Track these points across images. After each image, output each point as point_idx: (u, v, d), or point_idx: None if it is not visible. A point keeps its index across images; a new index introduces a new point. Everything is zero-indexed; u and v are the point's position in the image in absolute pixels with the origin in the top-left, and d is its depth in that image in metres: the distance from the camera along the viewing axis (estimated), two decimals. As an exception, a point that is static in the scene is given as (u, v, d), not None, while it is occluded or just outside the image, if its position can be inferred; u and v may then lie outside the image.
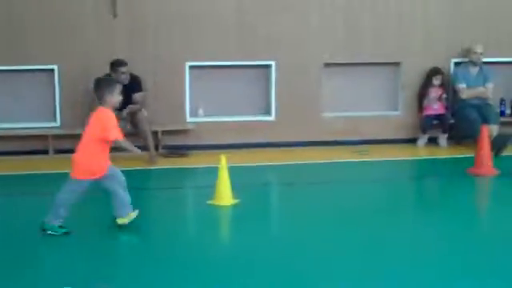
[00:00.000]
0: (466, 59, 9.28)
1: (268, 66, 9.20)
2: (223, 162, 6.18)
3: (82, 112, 8.50)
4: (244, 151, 8.87)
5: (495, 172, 7.38)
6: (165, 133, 8.78)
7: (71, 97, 8.70)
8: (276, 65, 9.13)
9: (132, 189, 5.49)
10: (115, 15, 8.73)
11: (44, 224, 5.17)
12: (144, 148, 8.01)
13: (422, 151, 9.12)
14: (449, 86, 9.38)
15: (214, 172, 6.31)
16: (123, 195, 5.30)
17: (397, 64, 9.47)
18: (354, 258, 4.68)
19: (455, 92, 9.28)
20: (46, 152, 8.61)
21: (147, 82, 8.71)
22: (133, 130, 8.26)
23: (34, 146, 8.68)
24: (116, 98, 5.22)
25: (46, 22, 8.62)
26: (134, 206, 5.38)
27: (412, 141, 9.40)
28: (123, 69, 8.15)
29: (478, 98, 9.15)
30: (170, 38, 8.92)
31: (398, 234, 5.31)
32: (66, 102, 8.73)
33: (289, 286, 4.20)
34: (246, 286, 4.23)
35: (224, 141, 8.98)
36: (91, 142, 5.15)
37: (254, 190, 6.93)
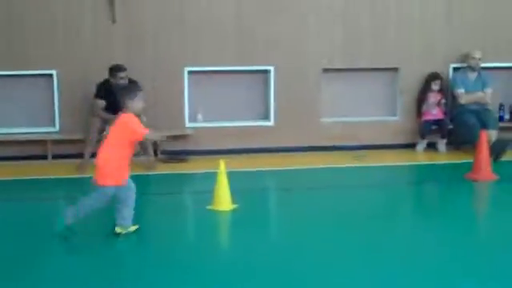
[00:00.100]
0: (465, 64, 9.30)
1: (267, 72, 9.21)
2: (222, 167, 6.19)
3: (80, 117, 8.53)
4: (243, 156, 8.86)
5: (494, 177, 7.38)
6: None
7: (70, 102, 8.69)
8: (275, 70, 9.13)
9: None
10: (114, 21, 8.74)
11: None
12: (143, 153, 8.03)
13: (420, 156, 9.12)
14: (447, 92, 9.39)
15: (213, 177, 6.30)
16: (131, 208, 5.36)
17: (395, 69, 9.48)
18: (352, 264, 4.68)
19: (454, 97, 9.29)
20: (44, 157, 8.59)
21: (146, 87, 8.69)
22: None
23: (33, 151, 8.67)
24: (137, 103, 5.32)
25: (45, 27, 8.63)
26: (134, 210, 5.39)
27: (411, 146, 9.40)
28: (122, 74, 8.14)
29: (476, 103, 9.16)
30: (168, 43, 8.93)
31: (396, 239, 5.31)
32: (65, 107, 8.73)
33: (288, 292, 4.21)
34: (246, 292, 4.23)
35: (223, 146, 8.98)
36: (116, 146, 5.22)
37: (253, 195, 6.93)
